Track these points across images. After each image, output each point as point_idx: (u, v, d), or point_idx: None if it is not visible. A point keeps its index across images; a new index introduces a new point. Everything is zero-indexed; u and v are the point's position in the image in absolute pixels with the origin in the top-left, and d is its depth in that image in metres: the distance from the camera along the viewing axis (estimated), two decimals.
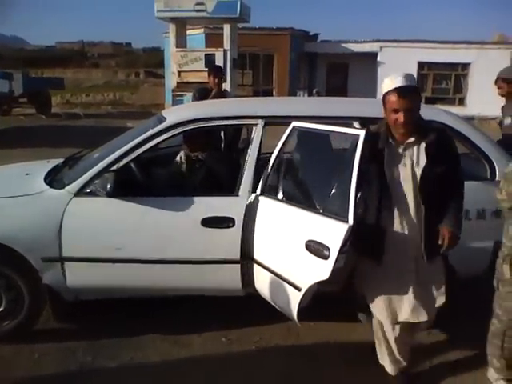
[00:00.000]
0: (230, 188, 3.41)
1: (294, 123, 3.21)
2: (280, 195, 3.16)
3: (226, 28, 13.58)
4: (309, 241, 2.79)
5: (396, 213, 2.69)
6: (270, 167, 3.26)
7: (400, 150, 2.65)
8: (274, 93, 22.11)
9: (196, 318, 3.70)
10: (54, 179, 3.62)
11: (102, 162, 3.34)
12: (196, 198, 3.35)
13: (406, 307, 2.74)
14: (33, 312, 3.41)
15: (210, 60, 12.25)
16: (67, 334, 3.52)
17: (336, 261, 2.62)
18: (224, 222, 3.24)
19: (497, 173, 3.47)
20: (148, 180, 3.61)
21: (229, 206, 3.28)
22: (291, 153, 3.34)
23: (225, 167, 3.96)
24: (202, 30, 19.29)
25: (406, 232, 2.70)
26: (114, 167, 3.31)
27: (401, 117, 2.53)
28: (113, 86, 33.36)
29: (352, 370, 3.12)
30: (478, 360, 3.11)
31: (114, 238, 3.29)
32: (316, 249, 2.73)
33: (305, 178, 3.29)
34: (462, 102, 21.59)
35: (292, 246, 2.91)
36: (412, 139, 2.62)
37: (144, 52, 69.52)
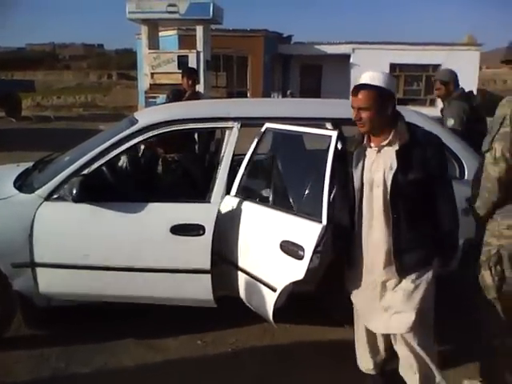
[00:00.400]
0: (202, 193, 3.37)
1: (267, 125, 3.22)
2: (254, 197, 3.17)
3: (199, 29, 13.55)
4: (283, 241, 2.80)
5: (366, 220, 2.54)
6: (243, 169, 3.25)
7: (374, 153, 2.49)
8: (248, 94, 22.15)
9: (171, 321, 3.67)
10: (23, 183, 3.56)
11: (73, 166, 3.29)
12: (166, 204, 3.29)
13: (375, 318, 2.64)
14: (3, 319, 3.35)
15: (183, 62, 12.20)
16: (39, 340, 3.45)
17: (311, 261, 2.64)
18: (194, 230, 3.15)
19: (466, 172, 3.53)
20: (119, 184, 3.53)
21: (199, 213, 3.20)
22: (265, 154, 3.36)
23: (199, 170, 3.94)
24: (175, 31, 19.21)
25: (375, 242, 2.54)
26: (85, 171, 3.26)
27: (355, 115, 2.45)
28: (85, 88, 32.97)
29: (327, 370, 3.14)
30: (455, 360, 3.16)
31: (81, 244, 3.23)
32: (290, 249, 2.74)
33: (279, 179, 3.30)
34: (432, 102, 21.93)
35: (267, 247, 2.92)
36: (385, 142, 2.45)
37: (116, 53, 68.84)
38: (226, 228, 3.20)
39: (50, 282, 3.27)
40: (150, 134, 3.40)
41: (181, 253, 3.19)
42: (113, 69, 46.52)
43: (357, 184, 2.51)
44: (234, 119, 3.44)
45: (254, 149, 3.27)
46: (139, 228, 3.23)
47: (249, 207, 3.14)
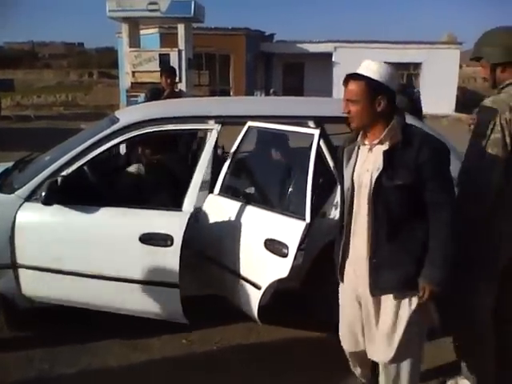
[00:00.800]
0: (176, 200, 3.25)
1: (250, 123, 3.23)
2: (238, 195, 3.17)
3: (181, 28, 13.49)
4: (268, 239, 2.80)
5: (353, 226, 2.32)
6: (227, 167, 3.25)
7: (366, 152, 2.28)
8: (231, 93, 22.12)
9: (155, 320, 3.63)
10: (3, 183, 3.51)
11: (53, 166, 3.25)
12: (138, 211, 3.16)
13: (360, 338, 2.47)
14: None
15: (164, 60, 12.14)
16: (22, 342, 3.42)
17: (295, 258, 2.64)
18: (161, 240, 2.98)
19: None
20: (94, 187, 3.42)
21: (168, 222, 3.03)
22: (248, 152, 3.35)
23: (178, 174, 3.85)
24: (157, 29, 19.10)
25: (357, 251, 2.33)
26: (64, 172, 3.19)
27: (344, 107, 2.25)
28: (65, 87, 32.57)
29: (313, 368, 3.15)
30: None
31: (54, 247, 3.15)
32: (275, 247, 2.75)
33: (262, 176, 3.31)
34: None
35: (251, 246, 2.92)
36: (377, 140, 2.22)
37: (97, 52, 68.13)
38: (210, 227, 3.20)
39: (30, 284, 3.23)
40: (132, 133, 3.36)
41: (149, 263, 3.05)
42: (94, 67, 46.04)
43: (346, 184, 2.33)
44: (215, 117, 3.43)
45: (238, 147, 3.27)
46: (109, 234, 3.11)
47: (233, 206, 3.14)
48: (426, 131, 2.34)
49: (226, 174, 3.25)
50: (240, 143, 3.28)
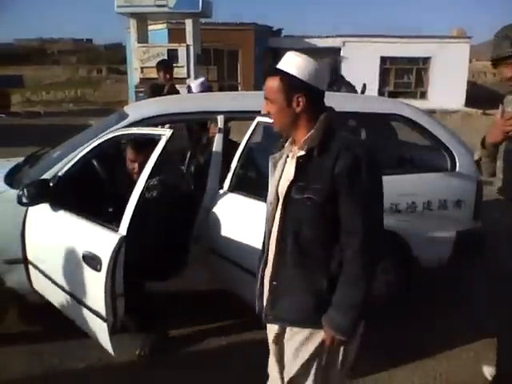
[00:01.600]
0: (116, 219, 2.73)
1: (259, 118, 3.22)
2: (247, 190, 3.16)
3: (189, 23, 13.48)
4: None
5: (270, 245, 2.01)
6: (236, 162, 3.25)
7: (290, 161, 1.93)
8: (239, 88, 22.09)
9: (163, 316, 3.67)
10: (14, 179, 3.53)
11: (61, 162, 3.26)
12: (90, 226, 2.73)
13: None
14: None
15: (172, 55, 12.14)
16: (33, 337, 3.45)
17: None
18: (92, 262, 2.59)
19: (457, 164, 3.55)
20: (78, 190, 3.25)
21: (100, 242, 2.58)
22: (258, 147, 3.32)
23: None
24: (165, 25, 19.10)
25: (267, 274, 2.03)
26: (60, 172, 3.17)
27: (263, 107, 1.93)
28: (74, 83, 32.69)
29: None
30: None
31: (41, 248, 3.10)
32: None
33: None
34: (423, 95, 22.03)
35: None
36: (296, 147, 1.89)
37: (106, 48, 68.32)
38: (220, 223, 3.20)
39: (40, 280, 3.23)
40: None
41: (84, 285, 2.71)
42: (102, 63, 46.19)
43: (269, 198, 2.00)
44: (223, 113, 3.43)
45: (246, 142, 3.26)
46: (66, 244, 2.81)
47: (243, 201, 3.14)
48: (351, 136, 1.95)
49: (236, 169, 3.25)
50: (249, 139, 3.27)
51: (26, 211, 3.13)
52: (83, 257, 2.60)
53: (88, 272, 2.58)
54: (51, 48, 68.64)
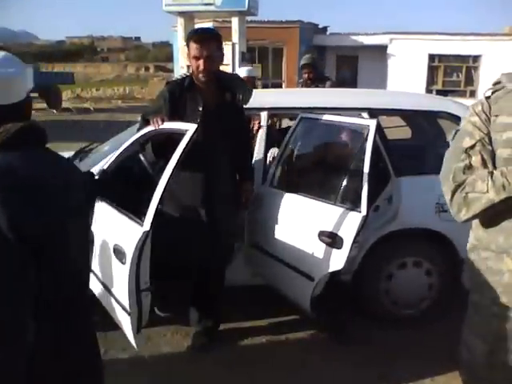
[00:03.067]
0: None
1: (302, 114, 3.22)
2: (289, 186, 3.17)
3: (234, 21, 13.56)
4: (321, 231, 2.78)
5: None
6: (278, 158, 3.26)
7: None
8: (283, 86, 22.06)
9: None
10: None
11: (109, 156, 3.33)
12: (122, 218, 2.73)
13: None
14: None
15: None
16: None
17: (350, 251, 2.62)
18: (120, 256, 2.61)
19: None
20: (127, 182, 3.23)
21: (127, 236, 2.59)
22: (300, 143, 3.31)
23: None
24: (211, 23, 19.26)
25: None
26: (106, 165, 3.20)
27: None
28: (123, 81, 33.46)
29: (358, 364, 3.13)
30: None
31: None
32: (329, 239, 2.73)
33: (314, 168, 3.29)
34: (473, 94, 21.40)
35: (304, 237, 2.91)
36: None
37: (153, 46, 69.60)
38: (262, 218, 3.21)
39: None
40: None
41: (113, 277, 2.75)
42: (150, 61, 47.09)
43: None
44: (268, 109, 3.45)
45: (289, 138, 3.27)
46: (102, 235, 2.81)
47: (285, 197, 3.15)
48: None
49: (278, 165, 3.26)
50: (292, 134, 3.28)
51: None
52: (113, 249, 2.64)
53: (116, 264, 2.62)
54: (101, 45, 70.39)
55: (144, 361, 3.18)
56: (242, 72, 5.68)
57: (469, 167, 1.71)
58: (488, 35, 21.57)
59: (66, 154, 4.15)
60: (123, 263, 2.53)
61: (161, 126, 2.94)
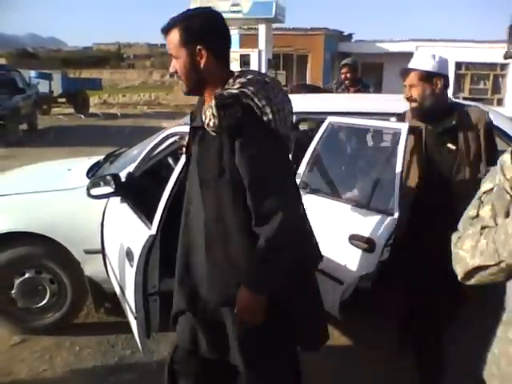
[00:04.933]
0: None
1: (330, 118, 3.21)
2: (318, 190, 3.15)
3: (261, 28, 13.62)
4: (352, 235, 2.76)
5: None
6: (306, 162, 3.25)
7: None
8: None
9: None
10: (95, 174, 3.69)
11: (138, 160, 3.36)
12: (137, 221, 2.78)
13: None
14: (75, 305, 3.51)
15: (245, 61, 12.31)
16: (107, 327, 3.58)
17: (382, 254, 2.59)
18: (129, 258, 2.63)
19: None
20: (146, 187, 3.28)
21: (136, 239, 2.58)
22: (328, 147, 3.30)
23: None
24: (237, 30, 19.39)
25: None
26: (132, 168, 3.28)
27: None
28: (148, 87, 33.82)
29: (388, 372, 3.07)
30: None
31: (109, 238, 3.17)
32: (360, 242, 2.70)
33: (343, 172, 3.28)
34: (500, 102, 21.08)
35: (334, 240, 2.89)
36: None
37: None
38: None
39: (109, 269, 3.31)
40: None
41: (126, 280, 2.74)
42: None
43: None
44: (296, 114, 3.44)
45: (317, 142, 3.25)
46: (120, 237, 2.89)
47: (313, 200, 3.13)
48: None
49: (306, 169, 3.25)
50: (320, 139, 3.27)
51: (107, 203, 3.27)
52: (126, 251, 2.66)
53: (128, 267, 2.62)
54: (127, 52, 71.36)
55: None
56: None
57: (475, 217, 1.34)
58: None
59: (96, 158, 4.23)
60: (131, 266, 2.53)
61: (174, 130, 3.00)
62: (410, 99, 2.61)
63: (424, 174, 2.61)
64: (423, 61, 2.57)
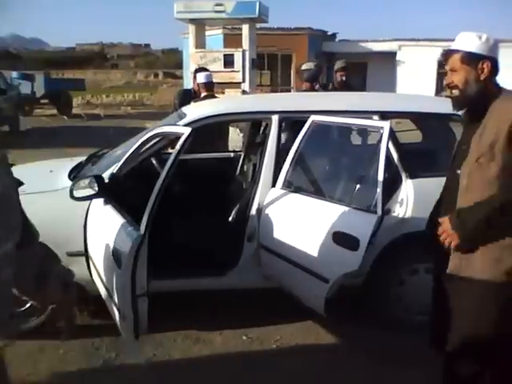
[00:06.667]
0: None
1: (313, 117, 3.22)
2: (302, 189, 3.16)
3: (245, 28, 13.57)
4: (336, 232, 2.77)
5: None
6: (290, 161, 3.26)
7: None
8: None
9: (216, 315, 3.70)
10: (77, 176, 3.66)
11: (122, 160, 3.35)
12: (122, 221, 2.75)
13: None
14: (59, 308, 3.45)
15: (228, 60, 12.27)
16: (91, 330, 3.53)
17: (366, 252, 2.61)
18: (117, 259, 2.61)
19: None
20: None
21: (123, 240, 2.60)
22: (311, 146, 3.31)
23: None
24: (221, 30, 19.33)
25: None
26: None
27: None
28: (132, 87, 33.66)
29: (373, 369, 3.10)
30: None
31: (93, 240, 3.15)
32: (344, 240, 2.71)
33: (326, 170, 3.29)
34: None
35: (318, 239, 2.90)
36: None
37: (163, 53, 69.99)
38: (274, 220, 3.21)
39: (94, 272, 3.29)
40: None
41: (113, 282, 2.74)
42: (159, 68, 47.34)
43: None
44: (277, 112, 3.46)
45: (301, 141, 3.26)
46: (105, 238, 2.85)
47: (297, 199, 3.14)
48: None
49: (289, 167, 3.26)
50: (303, 138, 3.28)
51: (89, 205, 3.24)
52: (112, 253, 2.63)
53: (115, 268, 2.61)
54: (111, 52, 70.91)
55: (154, 366, 3.18)
56: (201, 78, 5.70)
57: None
58: (498, 41, 21.46)
59: (79, 159, 4.19)
60: (119, 267, 2.51)
61: (157, 130, 2.98)
62: (450, 86, 2.25)
63: None
64: (467, 41, 2.20)
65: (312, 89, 5.63)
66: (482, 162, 2.11)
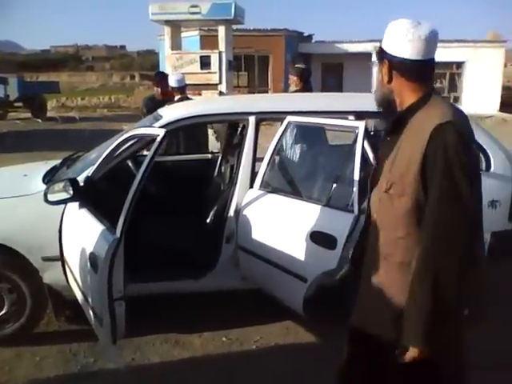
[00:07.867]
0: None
1: (289, 118, 3.23)
2: (279, 189, 3.17)
3: (221, 30, 13.57)
4: (314, 232, 2.78)
5: None
6: (267, 162, 3.27)
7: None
8: (269, 93, 22.16)
9: (196, 318, 3.69)
10: (51, 179, 3.61)
11: (97, 163, 3.30)
12: (98, 225, 2.70)
13: None
14: (35, 314, 3.41)
15: (205, 62, 12.26)
16: (68, 335, 3.50)
17: (343, 251, 2.62)
18: (94, 263, 2.56)
19: (492, 163, 3.50)
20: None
21: (99, 243, 2.56)
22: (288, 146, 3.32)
23: None
24: (197, 32, 19.30)
25: None
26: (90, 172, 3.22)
27: None
28: (108, 89, 33.35)
29: None
30: None
31: (69, 245, 3.08)
32: (322, 240, 2.72)
33: (303, 171, 3.31)
34: (456, 100, 21.65)
35: (296, 238, 2.91)
36: None
37: (139, 55, 69.53)
38: (252, 221, 3.21)
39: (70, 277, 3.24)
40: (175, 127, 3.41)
41: (89, 286, 2.71)
42: (135, 70, 47.03)
43: None
44: (254, 113, 3.47)
45: (277, 142, 3.27)
46: (81, 242, 2.82)
47: (275, 199, 3.15)
48: None
49: (267, 168, 3.27)
50: (280, 138, 3.29)
51: (64, 209, 3.20)
52: (88, 257, 2.60)
53: (91, 272, 2.57)
54: (86, 54, 70.19)
55: (133, 371, 3.14)
56: (172, 82, 5.72)
57: None
58: (471, 42, 21.87)
59: (53, 163, 4.14)
60: (95, 271, 2.49)
61: (132, 132, 2.96)
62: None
63: None
64: None
65: (304, 88, 5.67)
66: (392, 193, 1.76)
